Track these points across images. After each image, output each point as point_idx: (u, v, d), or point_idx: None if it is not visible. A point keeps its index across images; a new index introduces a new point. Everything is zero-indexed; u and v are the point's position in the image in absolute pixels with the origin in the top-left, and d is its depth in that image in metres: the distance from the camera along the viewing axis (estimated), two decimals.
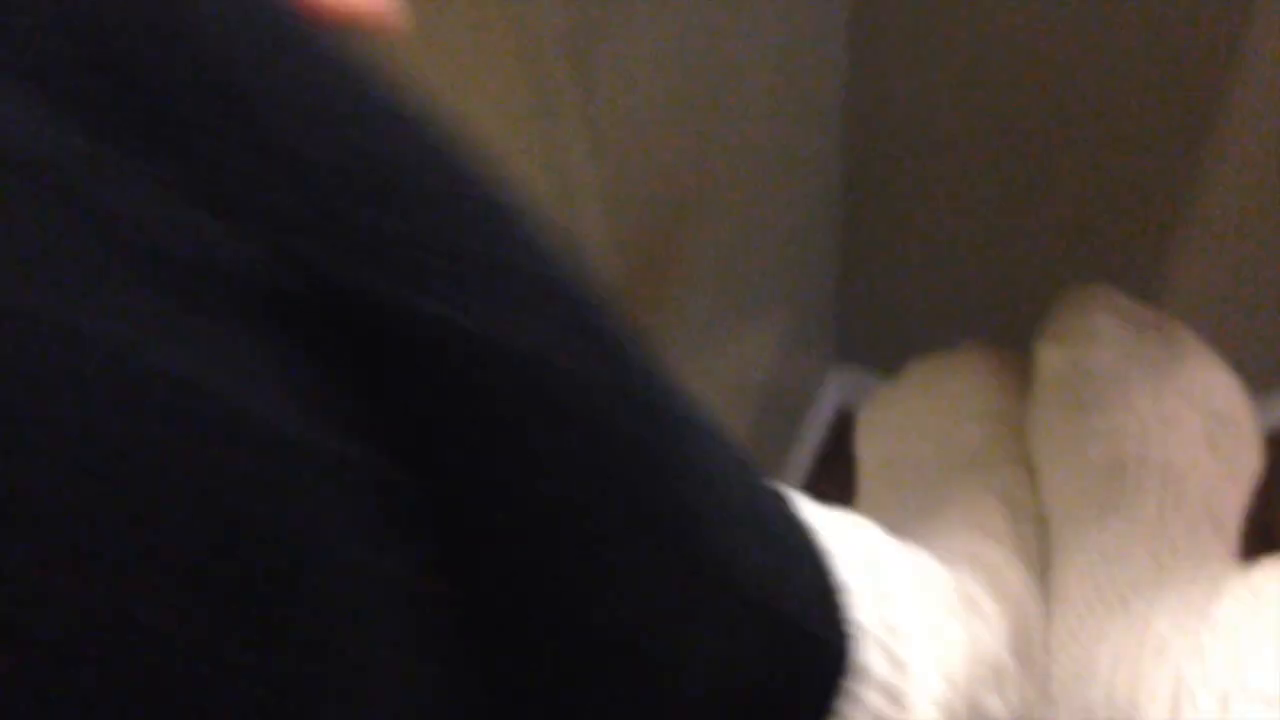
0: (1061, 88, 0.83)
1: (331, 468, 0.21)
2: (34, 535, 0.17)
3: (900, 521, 0.56)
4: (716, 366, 0.85)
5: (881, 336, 1.11)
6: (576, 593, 0.25)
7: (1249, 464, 0.61)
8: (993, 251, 0.97)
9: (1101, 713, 0.49)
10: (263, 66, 0.22)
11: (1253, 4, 0.72)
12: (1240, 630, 0.49)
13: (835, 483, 0.96)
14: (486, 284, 0.24)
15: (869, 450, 0.68)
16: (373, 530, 0.22)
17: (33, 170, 0.19)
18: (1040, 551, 0.57)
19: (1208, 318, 0.83)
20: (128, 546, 0.18)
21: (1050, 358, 0.62)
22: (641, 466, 0.26)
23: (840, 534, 0.36)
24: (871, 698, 0.33)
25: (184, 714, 0.19)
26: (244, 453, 0.20)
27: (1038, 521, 0.59)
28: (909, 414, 0.67)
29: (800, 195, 0.92)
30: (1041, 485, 0.60)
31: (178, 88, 0.21)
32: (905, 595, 0.37)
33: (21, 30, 0.21)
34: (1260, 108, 0.78)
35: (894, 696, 0.34)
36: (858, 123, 0.92)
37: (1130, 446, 0.56)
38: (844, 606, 0.34)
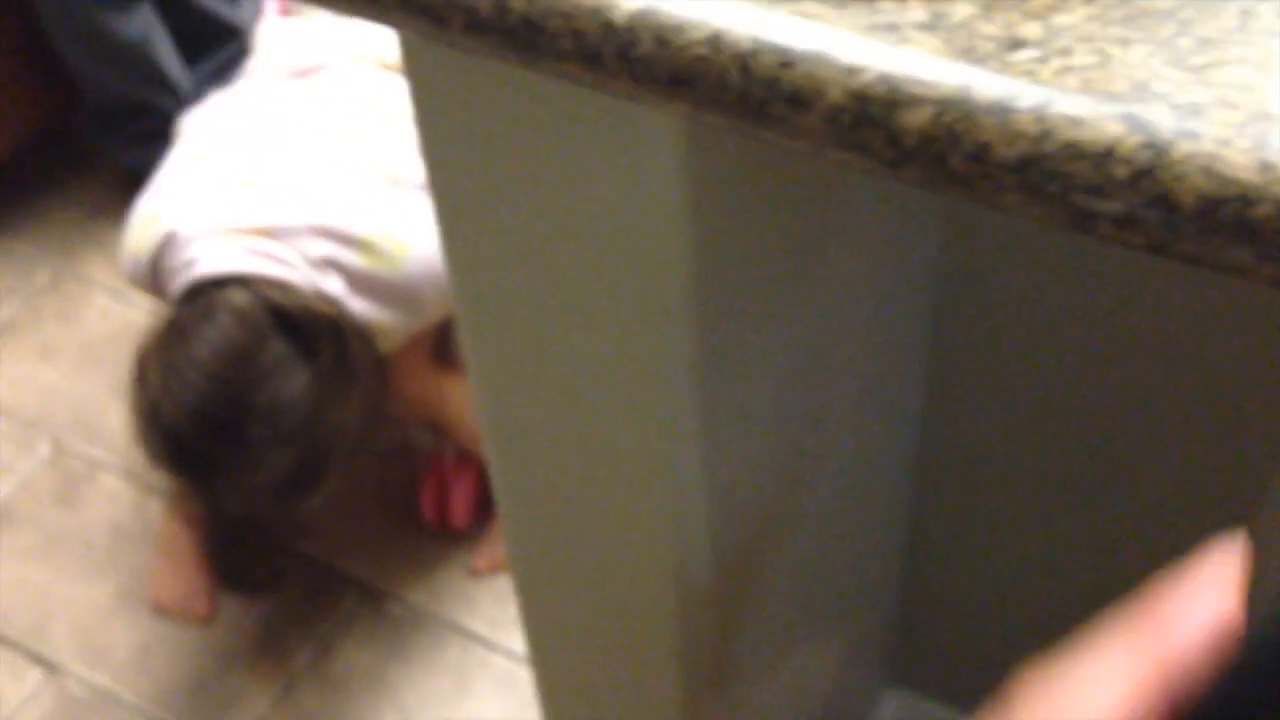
0: (1134, 426, 0.85)
1: None
2: None
3: None
4: (781, 672, 0.89)
5: (940, 662, 1.11)
6: None
7: None
8: (1055, 587, 0.98)
9: None
10: None
11: None
12: None
13: None
14: None
15: None
16: None
17: None
18: None
19: None
20: None
21: None
22: None
23: None
24: None
25: None
26: None
27: None
28: None
29: (871, 517, 0.97)
30: None
31: None
32: None
33: None
34: None
35: None
36: (930, 450, 0.96)
37: None
38: None
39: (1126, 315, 0.80)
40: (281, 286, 1.14)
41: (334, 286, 1.17)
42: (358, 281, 1.18)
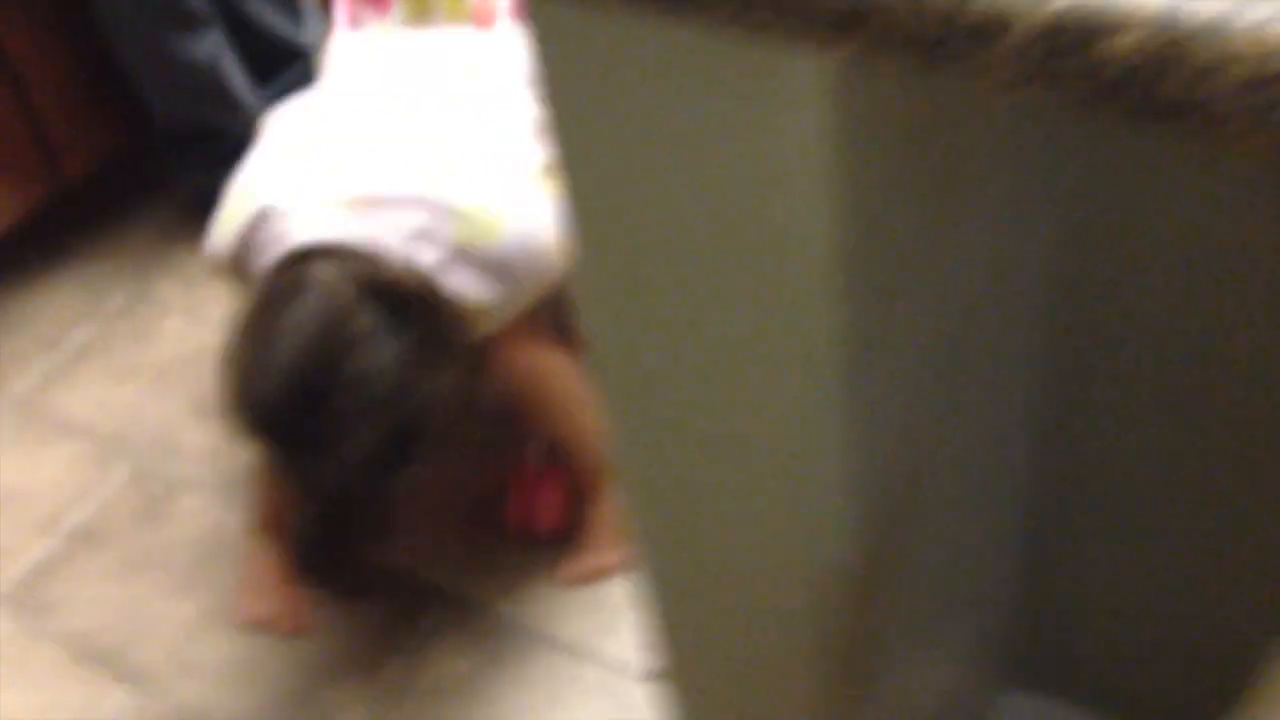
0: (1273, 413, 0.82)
1: None
2: None
3: None
4: (912, 669, 0.87)
5: (1064, 662, 1.09)
6: None
7: None
8: (1183, 581, 0.95)
9: None
10: None
11: None
12: None
13: None
14: None
15: None
16: None
17: None
18: None
19: None
20: None
21: None
22: None
23: None
24: None
25: None
26: None
27: None
28: None
29: (996, 507, 0.94)
30: None
31: None
32: None
33: None
34: None
35: None
36: (1059, 440, 0.92)
37: None
38: None
39: (1257, 289, 0.77)
40: (373, 258, 1.14)
41: (427, 258, 1.16)
42: (452, 253, 1.17)
